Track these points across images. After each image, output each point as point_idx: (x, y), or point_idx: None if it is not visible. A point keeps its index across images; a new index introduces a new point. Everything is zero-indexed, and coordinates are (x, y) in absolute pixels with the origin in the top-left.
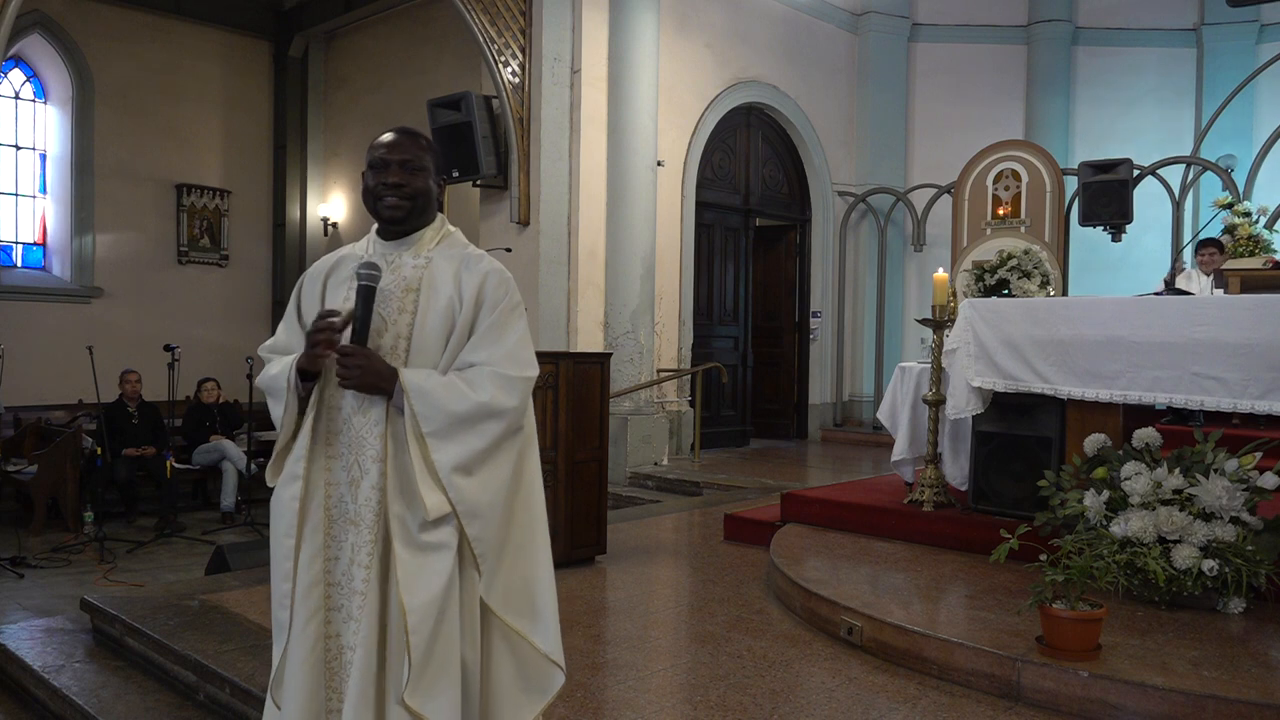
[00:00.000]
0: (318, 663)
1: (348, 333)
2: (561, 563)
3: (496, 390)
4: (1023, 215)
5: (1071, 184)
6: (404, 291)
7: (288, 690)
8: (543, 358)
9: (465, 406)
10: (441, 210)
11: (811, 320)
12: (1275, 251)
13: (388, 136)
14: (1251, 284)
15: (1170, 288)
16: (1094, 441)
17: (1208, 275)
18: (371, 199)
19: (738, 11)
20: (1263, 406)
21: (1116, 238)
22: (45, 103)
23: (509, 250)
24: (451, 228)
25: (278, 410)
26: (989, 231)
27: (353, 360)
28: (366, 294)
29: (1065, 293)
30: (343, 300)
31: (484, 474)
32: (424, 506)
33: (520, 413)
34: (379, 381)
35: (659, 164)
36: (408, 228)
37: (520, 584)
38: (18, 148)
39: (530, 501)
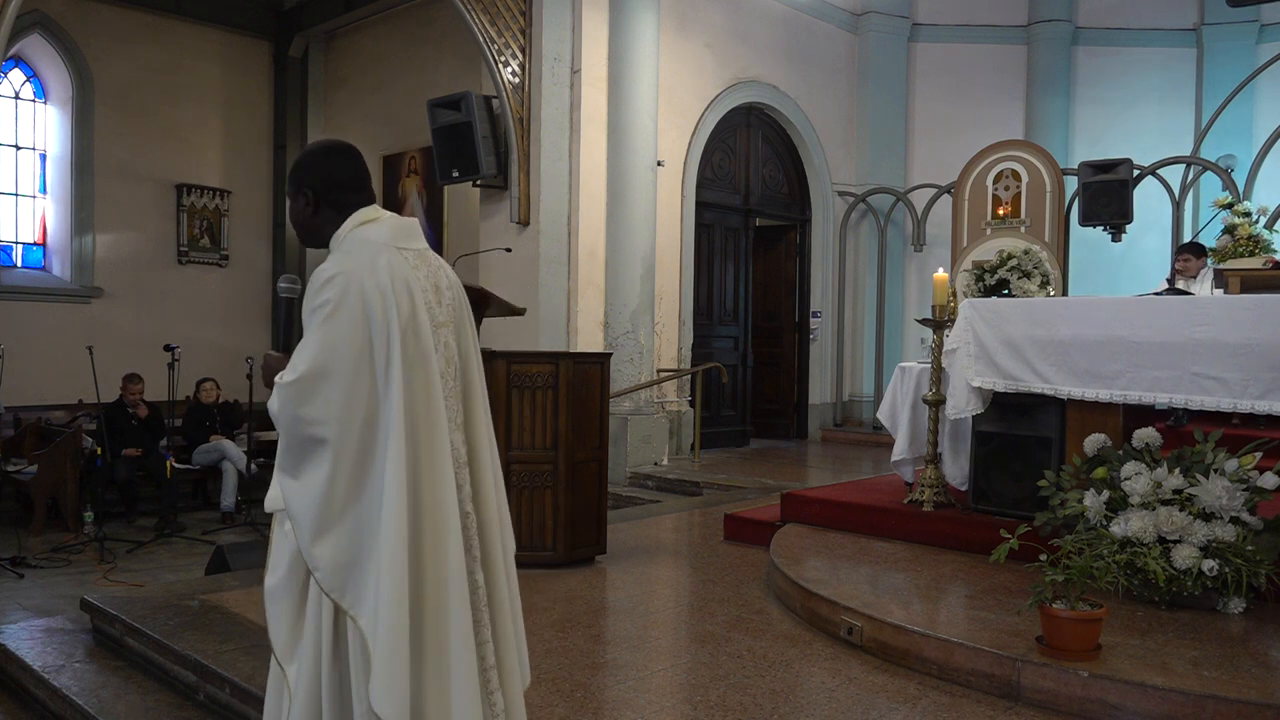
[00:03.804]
0: None
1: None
2: (562, 563)
3: (272, 394)
4: (1023, 215)
5: (1071, 184)
6: None
7: None
8: (543, 358)
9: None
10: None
11: (811, 320)
12: (1275, 251)
13: None
14: (1251, 284)
15: (1172, 287)
16: (1094, 441)
17: (1193, 277)
18: None
19: (738, 11)
20: (1263, 406)
21: (1116, 238)
22: (45, 103)
23: (509, 250)
24: (366, 220)
25: None
26: (989, 231)
27: (263, 363)
28: (284, 305)
29: (1065, 293)
30: None
31: (301, 478)
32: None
33: (291, 419)
34: (270, 378)
35: (659, 164)
36: (322, 245)
37: (366, 610)
38: (18, 148)
39: (372, 524)
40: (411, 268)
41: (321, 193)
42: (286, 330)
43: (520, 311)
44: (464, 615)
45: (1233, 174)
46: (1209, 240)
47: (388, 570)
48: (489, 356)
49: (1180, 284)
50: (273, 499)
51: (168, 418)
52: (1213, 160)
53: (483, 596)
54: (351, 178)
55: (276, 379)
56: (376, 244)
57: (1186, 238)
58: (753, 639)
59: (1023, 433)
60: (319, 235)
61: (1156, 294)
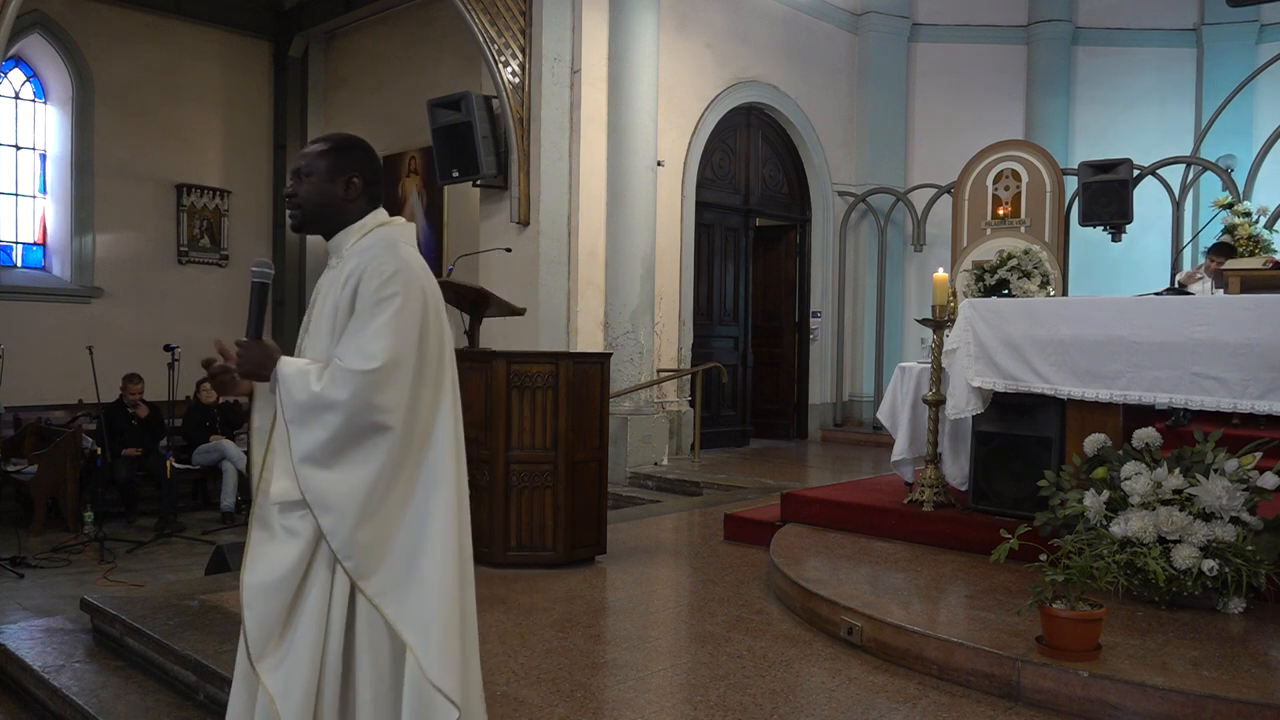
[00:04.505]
0: None
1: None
2: (562, 563)
3: (330, 382)
4: (1023, 215)
5: (1071, 184)
6: (317, 292)
7: None
8: (543, 358)
9: (305, 396)
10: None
11: (811, 320)
12: (1275, 251)
13: None
14: (1251, 284)
15: (1172, 288)
16: (1094, 441)
17: (1210, 278)
18: None
19: (738, 11)
20: (1263, 406)
21: (1116, 238)
22: (45, 103)
23: (509, 250)
24: (387, 221)
25: None
26: (989, 231)
27: (240, 351)
28: (256, 290)
29: (1065, 293)
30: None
31: (340, 468)
32: (270, 489)
33: (362, 406)
34: (259, 369)
35: (659, 164)
36: (323, 231)
37: (411, 593)
38: (18, 148)
39: (421, 512)
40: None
41: (369, 183)
42: (258, 316)
43: (520, 311)
44: (473, 597)
45: (1233, 174)
46: (1208, 240)
47: (444, 554)
48: (489, 356)
49: (1194, 286)
50: (286, 490)
51: (168, 418)
52: (1213, 160)
53: None
54: (382, 178)
55: (343, 365)
56: (405, 245)
57: (1186, 238)
58: (753, 639)
59: (1023, 433)
60: (334, 222)
61: (1157, 294)
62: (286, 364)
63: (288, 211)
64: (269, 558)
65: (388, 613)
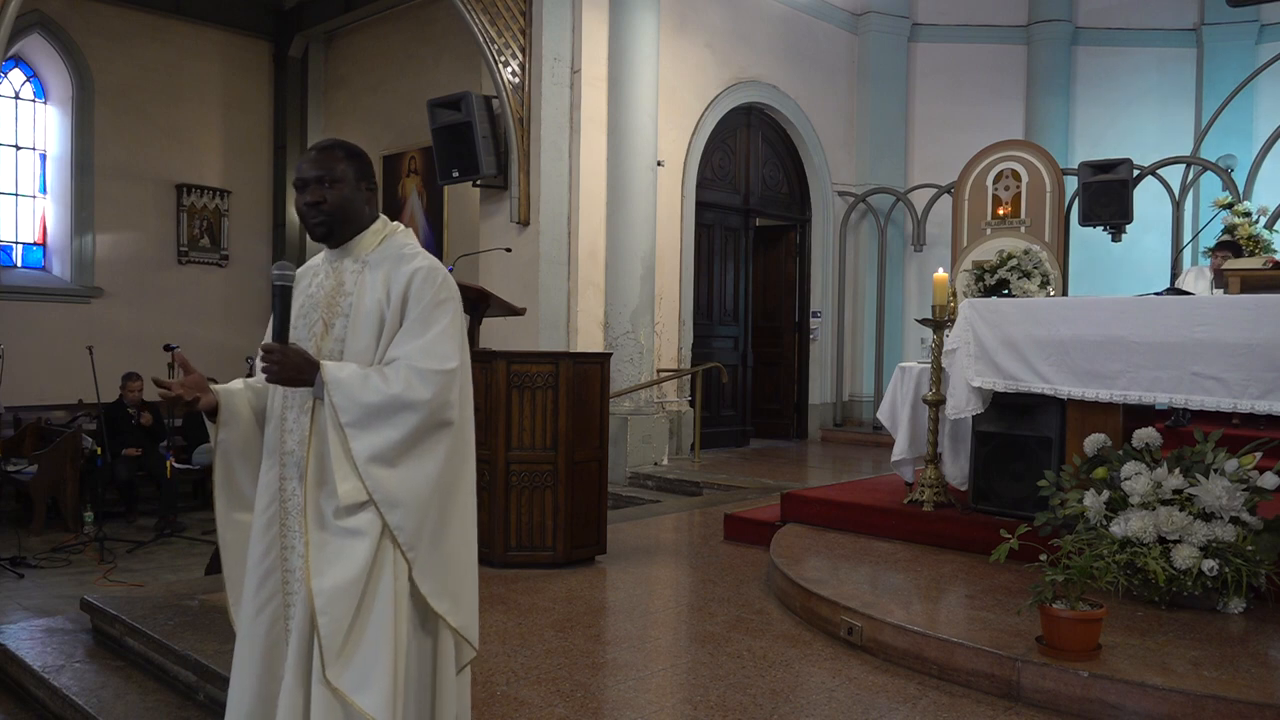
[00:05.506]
0: (269, 648)
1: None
2: (562, 563)
3: (409, 383)
4: (1023, 215)
5: (1071, 184)
6: (342, 296)
7: (235, 674)
8: (543, 358)
9: (377, 398)
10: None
11: (811, 320)
12: (1275, 251)
13: (307, 154)
14: (1251, 284)
15: (1172, 288)
16: (1094, 441)
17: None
18: (301, 219)
19: (738, 11)
20: (1263, 406)
21: (1116, 238)
22: (45, 103)
23: (509, 250)
24: (396, 226)
25: None
26: (989, 231)
27: (271, 357)
28: (281, 293)
29: (1065, 293)
30: (297, 309)
31: (407, 465)
32: (336, 493)
33: (440, 405)
34: (299, 375)
35: (659, 164)
36: (341, 237)
37: (449, 570)
38: (18, 148)
39: (465, 492)
40: None
41: (371, 187)
42: (284, 321)
43: (520, 311)
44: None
45: (1233, 174)
46: (1208, 240)
47: (466, 526)
48: (489, 356)
49: (1190, 281)
50: (355, 490)
51: (168, 418)
52: (1213, 160)
53: None
54: None
55: (419, 366)
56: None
57: (1187, 238)
58: (753, 639)
59: (1023, 433)
60: (352, 227)
61: (1157, 294)
62: (338, 368)
63: (313, 220)
64: (339, 560)
65: (426, 588)
